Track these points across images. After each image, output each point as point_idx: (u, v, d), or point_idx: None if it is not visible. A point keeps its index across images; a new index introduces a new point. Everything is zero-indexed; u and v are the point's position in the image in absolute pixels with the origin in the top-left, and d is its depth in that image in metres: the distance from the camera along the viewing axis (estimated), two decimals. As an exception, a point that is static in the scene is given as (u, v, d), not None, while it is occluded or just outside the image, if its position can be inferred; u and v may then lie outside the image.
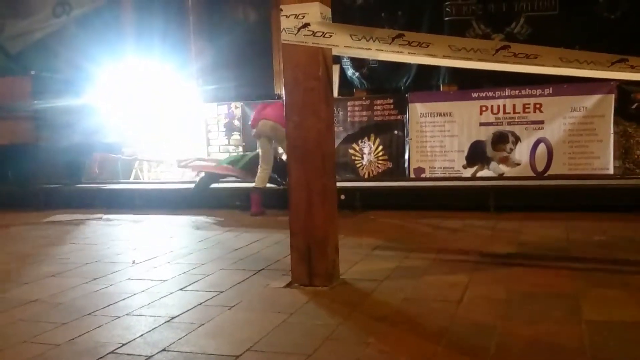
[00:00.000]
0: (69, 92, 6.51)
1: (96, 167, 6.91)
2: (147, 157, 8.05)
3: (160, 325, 2.22)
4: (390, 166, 7.03)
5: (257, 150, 5.69)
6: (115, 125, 7.07)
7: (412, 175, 6.84)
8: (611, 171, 6.35)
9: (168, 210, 5.63)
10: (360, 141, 7.25)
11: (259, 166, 5.42)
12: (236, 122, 7.82)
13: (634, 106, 6.37)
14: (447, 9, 6.88)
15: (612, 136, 6.35)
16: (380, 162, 7.02)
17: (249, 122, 5.86)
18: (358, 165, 7.22)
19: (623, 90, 6.29)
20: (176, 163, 7.01)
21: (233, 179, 5.93)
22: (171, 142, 7.89)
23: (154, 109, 7.73)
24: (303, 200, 2.65)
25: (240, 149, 7.77)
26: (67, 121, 6.37)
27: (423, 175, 6.89)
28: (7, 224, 5.09)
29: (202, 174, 6.09)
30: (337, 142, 6.94)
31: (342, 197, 4.90)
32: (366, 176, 7.09)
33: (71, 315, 2.38)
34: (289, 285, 2.70)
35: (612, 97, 6.30)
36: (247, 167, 5.67)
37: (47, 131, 6.18)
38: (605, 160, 6.38)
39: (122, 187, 6.78)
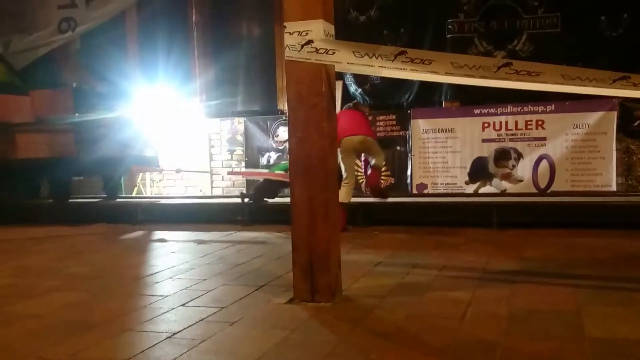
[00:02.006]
0: (108, 106, 6.55)
1: (135, 181, 6.88)
2: (190, 169, 7.98)
3: (161, 341, 2.22)
4: (393, 182, 7.04)
5: None
6: (151, 139, 7.10)
7: (415, 191, 6.85)
8: (614, 188, 6.34)
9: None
10: (362, 157, 7.25)
11: (343, 181, 5.29)
12: (239, 138, 7.84)
13: (636, 123, 6.38)
14: (450, 26, 6.92)
15: (614, 153, 6.35)
16: (382, 177, 7.02)
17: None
18: (360, 181, 7.22)
19: (625, 107, 6.30)
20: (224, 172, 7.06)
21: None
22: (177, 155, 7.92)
23: (160, 123, 7.77)
24: (305, 216, 2.65)
25: (243, 164, 7.80)
26: (106, 134, 6.38)
27: (425, 191, 6.89)
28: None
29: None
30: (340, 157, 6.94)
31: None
32: (368, 192, 7.10)
33: (73, 330, 2.38)
34: (291, 301, 2.69)
35: (615, 114, 6.32)
36: None
37: (87, 144, 6.17)
38: (607, 177, 6.38)
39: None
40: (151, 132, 7.12)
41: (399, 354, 2.04)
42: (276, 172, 5.75)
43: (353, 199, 5.68)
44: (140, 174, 7.37)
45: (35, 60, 6.68)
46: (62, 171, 6.36)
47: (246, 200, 5.75)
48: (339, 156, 5.38)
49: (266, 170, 6.04)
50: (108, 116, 6.48)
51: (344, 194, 5.25)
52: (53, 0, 6.67)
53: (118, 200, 6.94)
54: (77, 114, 6.07)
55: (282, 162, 6.49)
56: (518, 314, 2.41)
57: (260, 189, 5.83)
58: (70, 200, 6.63)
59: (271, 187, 5.79)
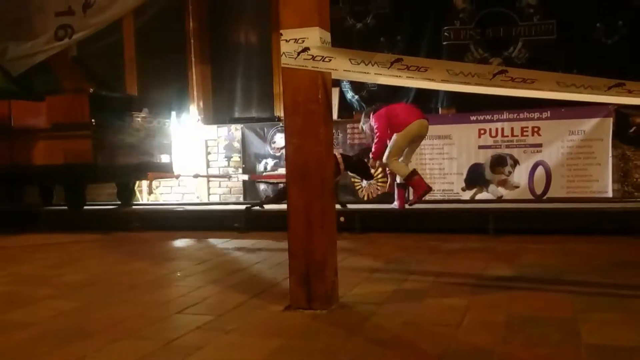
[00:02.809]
0: (124, 111, 6.52)
1: (151, 188, 6.86)
2: (211, 175, 7.94)
3: (157, 349, 2.21)
4: (390, 188, 7.04)
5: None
6: (166, 145, 7.09)
7: (412, 198, 6.85)
8: (610, 194, 6.36)
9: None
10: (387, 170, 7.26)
11: (387, 161, 5.57)
12: (236, 144, 7.84)
13: (632, 130, 6.40)
14: (446, 33, 6.95)
15: (610, 159, 6.37)
16: (379, 184, 7.02)
17: (367, 127, 5.94)
18: (357, 188, 7.23)
19: (621, 114, 6.33)
20: (247, 177, 7.06)
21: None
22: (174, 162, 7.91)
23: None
24: (302, 223, 2.65)
25: (240, 170, 7.80)
26: (122, 140, 6.37)
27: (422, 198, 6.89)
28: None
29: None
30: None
31: (342, 219, 4.91)
32: (365, 198, 7.10)
33: (69, 338, 2.37)
34: (287, 308, 2.69)
35: (610, 120, 6.34)
36: None
37: (104, 151, 6.14)
38: (603, 184, 6.40)
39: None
40: (166, 138, 7.10)
41: (396, 361, 2.04)
42: None
43: (349, 205, 5.70)
44: (156, 181, 7.32)
45: (32, 67, 6.67)
46: (77, 178, 6.33)
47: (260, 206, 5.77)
48: (391, 142, 5.57)
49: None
50: (126, 122, 6.45)
51: (400, 171, 5.57)
52: (50, 8, 6.66)
53: (136, 207, 6.94)
54: (93, 120, 6.02)
55: None
56: (514, 321, 2.41)
57: (281, 193, 5.85)
58: (85, 207, 6.61)
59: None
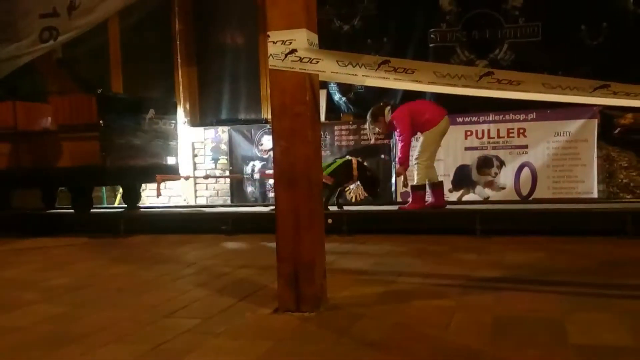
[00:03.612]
0: (132, 112, 6.44)
1: (159, 190, 6.81)
2: (220, 176, 7.87)
3: (145, 353, 2.19)
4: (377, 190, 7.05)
5: (347, 156, 5.73)
6: (173, 146, 7.02)
7: (399, 200, 6.87)
8: (595, 195, 6.41)
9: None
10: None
11: (417, 162, 5.45)
12: (223, 146, 7.82)
13: (616, 131, 6.46)
14: (432, 35, 6.98)
15: (595, 160, 6.43)
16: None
17: (381, 127, 5.85)
18: (345, 190, 7.23)
19: (606, 115, 6.39)
20: (257, 174, 7.00)
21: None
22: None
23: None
24: (290, 226, 2.64)
25: (227, 172, 7.78)
26: (130, 142, 6.28)
27: (409, 200, 6.90)
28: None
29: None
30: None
31: (330, 221, 4.91)
32: (353, 200, 7.11)
33: (55, 343, 2.34)
34: (276, 311, 2.68)
35: (595, 122, 6.40)
36: (336, 174, 5.59)
37: (112, 152, 6.04)
38: (589, 185, 6.45)
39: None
40: (173, 140, 7.03)
41: (385, 363, 2.04)
42: None
43: (337, 207, 5.69)
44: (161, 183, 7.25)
45: (17, 69, 6.61)
46: (85, 181, 6.24)
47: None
48: (420, 143, 5.51)
49: None
50: (134, 124, 6.38)
51: (430, 175, 5.50)
52: (35, 9, 6.61)
53: (145, 210, 6.91)
54: (101, 121, 5.92)
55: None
56: (502, 322, 2.42)
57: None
58: (92, 210, 6.55)
59: None
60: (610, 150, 6.49)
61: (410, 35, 7.10)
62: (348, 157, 5.78)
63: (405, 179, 5.76)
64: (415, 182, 5.59)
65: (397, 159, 5.64)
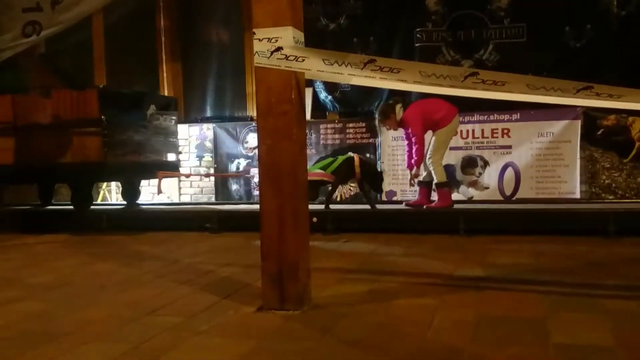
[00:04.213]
0: (133, 108, 6.35)
1: (160, 187, 6.72)
2: (226, 175, 7.80)
3: (126, 352, 2.17)
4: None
5: (349, 153, 5.69)
6: (173, 143, 6.94)
7: (384, 199, 6.89)
8: (578, 195, 6.48)
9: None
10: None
11: (430, 161, 5.40)
12: (208, 144, 7.79)
13: (599, 132, 6.53)
14: (418, 35, 7.00)
15: (578, 161, 6.50)
16: (352, 185, 7.04)
17: (391, 125, 5.69)
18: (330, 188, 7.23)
19: (589, 116, 6.46)
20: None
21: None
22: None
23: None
24: (275, 224, 2.63)
25: (212, 170, 7.74)
26: (131, 138, 6.19)
27: (395, 199, 6.93)
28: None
29: None
30: (310, 164, 6.96)
31: (314, 220, 4.90)
32: (338, 199, 7.11)
33: (35, 342, 2.32)
34: (260, 309, 2.67)
35: (579, 123, 6.47)
36: (338, 171, 5.56)
37: (114, 148, 5.94)
38: (572, 185, 6.52)
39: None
40: (173, 136, 6.96)
41: (368, 362, 2.04)
42: (314, 170, 5.67)
43: (322, 206, 5.69)
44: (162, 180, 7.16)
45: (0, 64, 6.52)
46: (85, 177, 6.14)
47: None
48: (433, 142, 5.45)
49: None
50: (136, 119, 6.30)
51: (439, 174, 5.44)
52: (18, 3, 6.53)
53: (146, 207, 6.85)
54: (103, 117, 5.81)
55: (317, 162, 6.44)
56: (485, 321, 2.43)
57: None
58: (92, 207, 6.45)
59: (310, 187, 5.76)
60: (593, 151, 6.55)
61: (396, 35, 7.12)
62: (350, 154, 5.75)
63: (415, 176, 5.69)
64: (436, 181, 5.52)
65: (413, 161, 5.50)
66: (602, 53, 6.53)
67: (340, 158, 5.74)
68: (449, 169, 6.75)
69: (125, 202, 7.05)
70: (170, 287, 3.25)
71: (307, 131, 5.88)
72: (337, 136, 7.32)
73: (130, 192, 7.06)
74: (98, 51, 8.20)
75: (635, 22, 6.47)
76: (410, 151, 5.62)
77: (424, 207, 5.55)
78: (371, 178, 5.79)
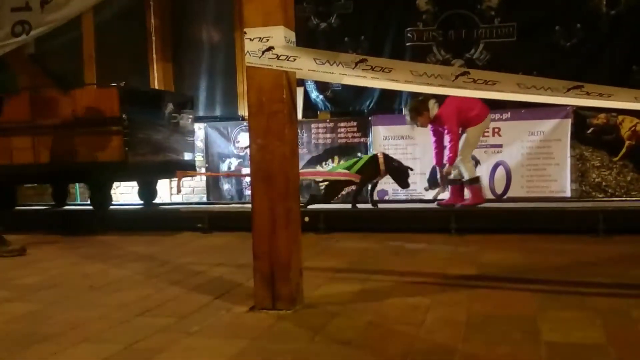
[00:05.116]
0: (153, 106, 6.28)
1: (179, 186, 6.66)
2: (241, 174, 7.73)
3: (117, 353, 2.16)
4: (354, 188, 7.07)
5: (374, 152, 5.73)
6: (190, 142, 6.88)
7: (375, 198, 6.89)
8: (568, 194, 6.51)
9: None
10: (324, 163, 7.28)
11: (460, 158, 5.37)
12: (199, 143, 7.77)
13: (590, 131, 6.57)
14: (409, 34, 7.01)
15: (569, 160, 6.53)
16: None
17: (422, 121, 5.60)
18: (321, 188, 7.22)
19: (579, 115, 6.49)
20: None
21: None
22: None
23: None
24: (266, 224, 2.63)
25: (204, 169, 7.72)
26: (151, 137, 6.13)
27: (386, 198, 6.94)
28: None
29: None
30: (301, 164, 6.96)
31: (306, 219, 4.90)
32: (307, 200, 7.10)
33: (25, 343, 2.30)
34: (251, 309, 2.67)
35: (569, 121, 6.50)
36: (363, 170, 5.56)
37: (134, 147, 5.84)
38: (562, 183, 6.55)
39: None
40: (190, 135, 6.90)
41: (360, 361, 2.04)
42: (338, 170, 5.66)
43: (314, 206, 5.69)
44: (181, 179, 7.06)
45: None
46: (105, 177, 6.06)
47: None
48: (464, 139, 5.40)
49: (327, 170, 5.93)
50: (156, 119, 6.24)
51: (468, 171, 5.42)
52: (6, 2, 6.47)
53: (163, 207, 6.81)
54: (124, 115, 5.71)
55: (342, 162, 6.43)
56: (476, 319, 2.44)
57: (328, 189, 5.76)
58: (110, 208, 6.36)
59: (335, 187, 5.71)
60: (583, 149, 6.59)
61: (387, 34, 7.13)
62: (375, 152, 5.76)
63: (447, 174, 5.63)
64: (466, 178, 5.49)
65: (447, 158, 5.44)
66: (592, 52, 6.57)
67: (365, 157, 5.76)
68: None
69: (142, 202, 6.99)
70: (161, 288, 3.24)
71: (298, 131, 5.88)
72: (328, 135, 7.32)
73: (147, 192, 7.00)
74: (88, 51, 8.16)
75: (625, 22, 6.51)
76: (438, 148, 5.59)
77: (457, 205, 5.51)
78: (397, 174, 5.78)
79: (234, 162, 7.67)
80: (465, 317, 2.47)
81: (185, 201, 7.72)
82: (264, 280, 2.65)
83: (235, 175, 7.67)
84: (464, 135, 5.48)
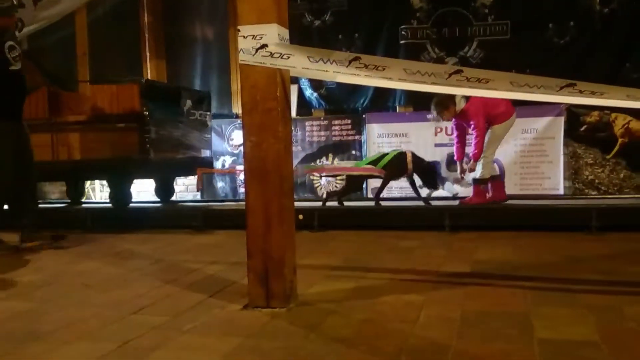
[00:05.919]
0: (172, 103, 6.20)
1: (200, 184, 6.58)
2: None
3: (111, 351, 2.16)
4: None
5: (398, 148, 5.76)
6: (208, 139, 6.83)
7: (370, 195, 6.90)
8: (561, 191, 6.54)
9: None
10: (318, 161, 7.28)
11: (483, 155, 5.37)
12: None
13: (582, 128, 6.59)
14: (403, 32, 7.02)
15: (562, 157, 6.55)
16: (338, 182, 7.05)
17: (448, 117, 5.61)
18: (316, 185, 7.24)
19: (572, 113, 6.51)
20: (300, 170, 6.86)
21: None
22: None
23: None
24: (260, 221, 2.63)
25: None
26: (171, 133, 6.06)
27: (381, 195, 6.94)
28: None
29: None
30: (296, 161, 6.96)
31: (301, 217, 4.90)
32: (324, 196, 7.11)
33: (20, 341, 2.30)
34: (245, 307, 2.67)
35: (562, 119, 6.52)
36: (389, 166, 5.53)
37: (155, 144, 5.77)
38: (555, 181, 6.58)
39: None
40: (208, 132, 6.85)
41: (356, 358, 2.05)
42: (363, 165, 5.65)
43: (308, 203, 5.70)
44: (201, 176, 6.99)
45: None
46: (125, 173, 5.99)
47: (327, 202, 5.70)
48: (489, 136, 5.39)
49: (350, 165, 5.90)
50: (176, 115, 6.18)
51: (487, 169, 5.42)
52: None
53: (182, 204, 6.76)
54: (145, 111, 5.64)
55: (365, 158, 6.41)
56: (470, 316, 2.45)
57: (349, 184, 5.77)
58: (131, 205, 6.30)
59: (357, 182, 5.72)
60: (576, 147, 6.62)
61: (381, 32, 7.13)
62: (403, 149, 5.72)
63: (471, 170, 5.62)
64: (478, 176, 5.50)
65: (472, 154, 5.45)
66: (585, 50, 6.59)
67: (392, 153, 5.69)
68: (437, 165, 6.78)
69: (159, 200, 6.95)
70: (155, 286, 3.23)
71: (292, 128, 5.89)
72: (322, 133, 7.32)
73: (165, 189, 6.95)
74: (81, 48, 8.13)
75: (618, 20, 6.54)
76: (460, 142, 5.60)
77: (460, 202, 5.60)
78: (425, 174, 5.72)
79: (228, 160, 7.67)
80: (459, 314, 2.48)
81: (179, 199, 7.71)
82: (258, 278, 2.65)
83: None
84: (489, 132, 5.47)
